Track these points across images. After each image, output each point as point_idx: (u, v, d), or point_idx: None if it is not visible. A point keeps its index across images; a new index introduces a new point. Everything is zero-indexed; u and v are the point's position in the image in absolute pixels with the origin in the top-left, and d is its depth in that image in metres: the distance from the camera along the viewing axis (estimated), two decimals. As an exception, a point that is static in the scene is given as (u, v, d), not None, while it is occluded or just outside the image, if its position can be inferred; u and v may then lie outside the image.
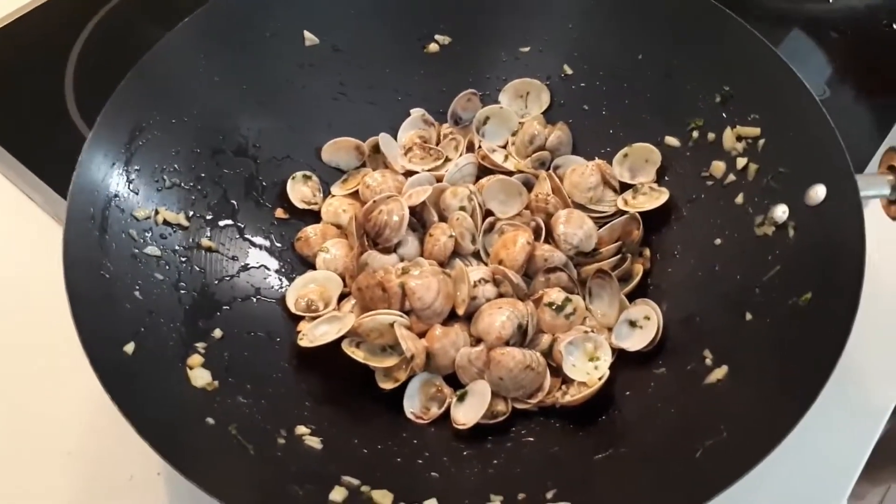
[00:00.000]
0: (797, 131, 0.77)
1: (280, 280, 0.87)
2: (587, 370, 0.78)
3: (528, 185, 0.92)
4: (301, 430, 0.72)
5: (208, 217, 0.85)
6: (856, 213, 0.68)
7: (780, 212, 0.75)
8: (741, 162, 0.81)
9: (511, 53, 0.98)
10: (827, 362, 0.61)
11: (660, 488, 0.64)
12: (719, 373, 0.71)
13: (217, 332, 0.78)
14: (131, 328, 0.71)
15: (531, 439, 0.76)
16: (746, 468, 0.58)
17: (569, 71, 0.96)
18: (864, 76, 1.14)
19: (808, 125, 0.75)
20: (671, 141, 0.89)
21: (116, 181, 0.77)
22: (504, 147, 0.97)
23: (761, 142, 0.80)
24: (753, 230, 0.78)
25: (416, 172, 0.92)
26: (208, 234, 0.84)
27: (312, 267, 0.88)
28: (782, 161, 0.77)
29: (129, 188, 0.78)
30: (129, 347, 0.69)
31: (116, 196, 0.77)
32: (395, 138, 0.97)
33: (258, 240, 0.88)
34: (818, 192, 0.72)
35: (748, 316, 0.73)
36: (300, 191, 0.93)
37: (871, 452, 1.82)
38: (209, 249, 0.83)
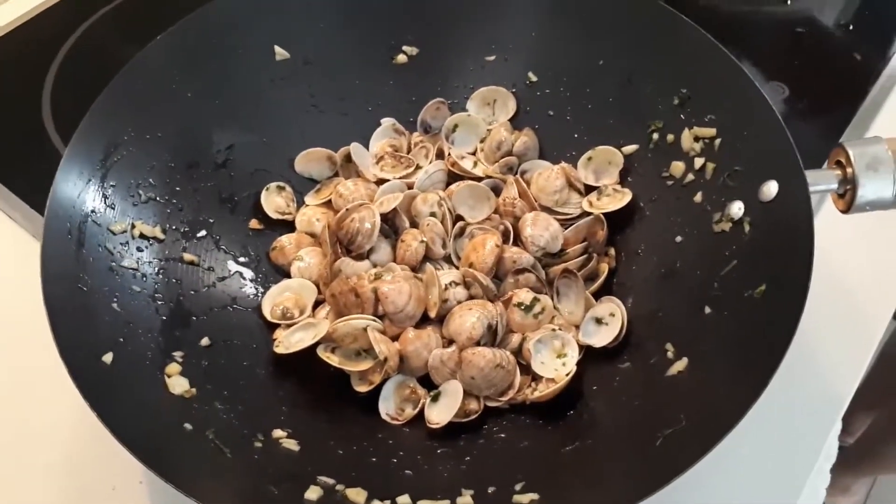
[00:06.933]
0: (750, 131, 0.80)
1: (256, 289, 0.89)
2: (555, 367, 0.80)
3: (497, 190, 0.94)
4: (278, 433, 0.74)
5: (184, 230, 0.87)
6: (805, 208, 0.71)
7: (736, 208, 0.78)
8: (699, 162, 0.84)
9: (477, 62, 1.01)
10: (779, 347, 0.64)
11: (621, 475, 0.66)
12: (680, 365, 0.73)
13: (205, 341, 0.80)
14: (110, 339, 0.72)
15: (502, 435, 0.78)
16: (703, 452, 0.60)
17: (533, 78, 0.99)
18: (822, 76, 1.17)
19: (761, 124, 0.78)
20: (633, 143, 0.92)
21: (93, 197, 0.79)
22: (473, 154, 0.99)
23: (717, 141, 0.83)
24: (712, 227, 0.80)
25: (388, 180, 0.94)
26: (185, 246, 0.86)
27: (287, 275, 0.90)
28: (737, 159, 0.80)
29: (105, 203, 0.80)
30: (108, 357, 0.70)
31: (93, 211, 0.79)
32: (367, 147, 0.99)
33: (234, 251, 0.90)
34: (771, 188, 0.75)
35: (707, 310, 0.75)
36: (274, 201, 0.95)
37: (851, 444, 1.84)
38: (191, 263, 0.85)
